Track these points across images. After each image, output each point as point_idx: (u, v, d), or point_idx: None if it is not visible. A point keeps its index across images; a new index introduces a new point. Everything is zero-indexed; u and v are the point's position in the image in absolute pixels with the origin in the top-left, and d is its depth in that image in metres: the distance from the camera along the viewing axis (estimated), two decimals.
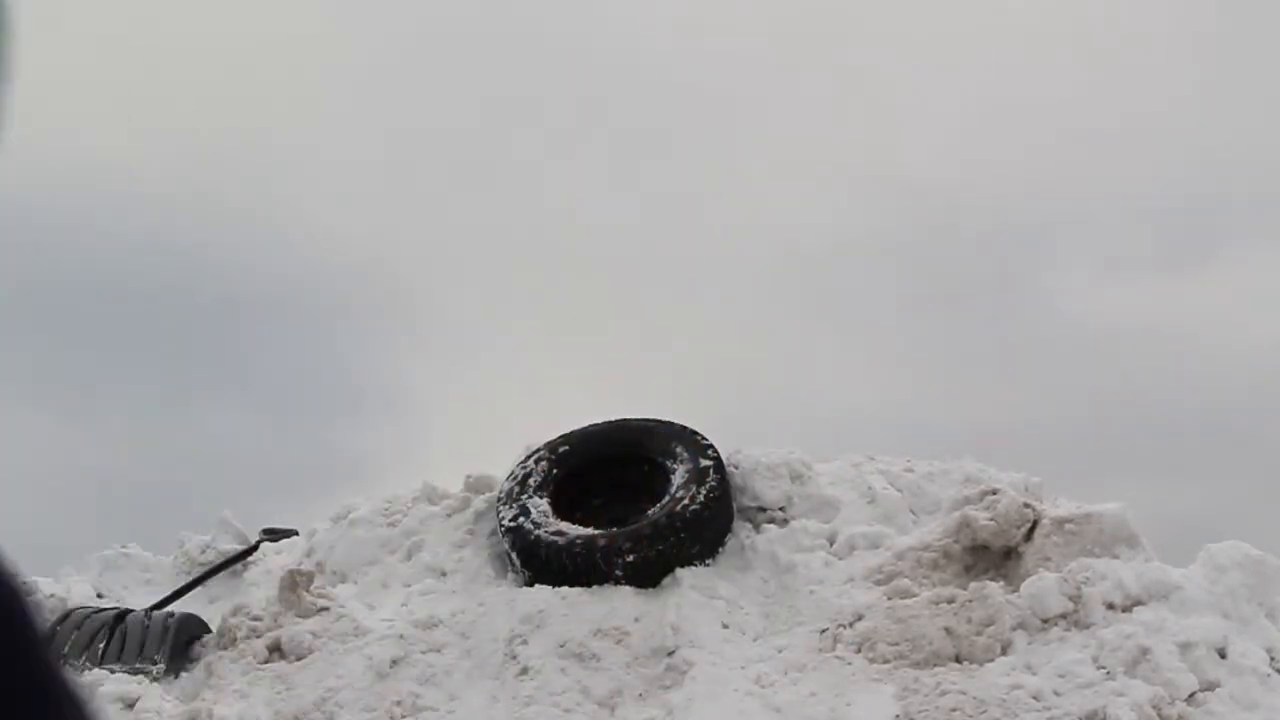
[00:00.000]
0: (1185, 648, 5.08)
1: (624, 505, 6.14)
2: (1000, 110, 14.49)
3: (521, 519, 5.96)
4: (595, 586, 5.68)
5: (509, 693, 5.23)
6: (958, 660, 5.20)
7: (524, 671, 5.29)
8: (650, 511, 5.92)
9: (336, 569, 6.45)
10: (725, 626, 5.54)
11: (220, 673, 5.59)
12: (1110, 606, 5.30)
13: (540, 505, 5.99)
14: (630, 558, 5.71)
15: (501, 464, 6.41)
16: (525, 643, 5.39)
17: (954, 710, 4.91)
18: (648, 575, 5.72)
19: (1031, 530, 5.72)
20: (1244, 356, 12.65)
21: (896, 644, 5.27)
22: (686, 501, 5.89)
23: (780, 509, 6.15)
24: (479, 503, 6.32)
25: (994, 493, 5.87)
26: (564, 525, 5.91)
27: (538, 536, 5.85)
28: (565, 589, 5.64)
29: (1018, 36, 14.42)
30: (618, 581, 5.69)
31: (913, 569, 5.72)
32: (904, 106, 14.59)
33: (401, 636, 5.52)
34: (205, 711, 5.35)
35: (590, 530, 5.84)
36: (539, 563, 5.81)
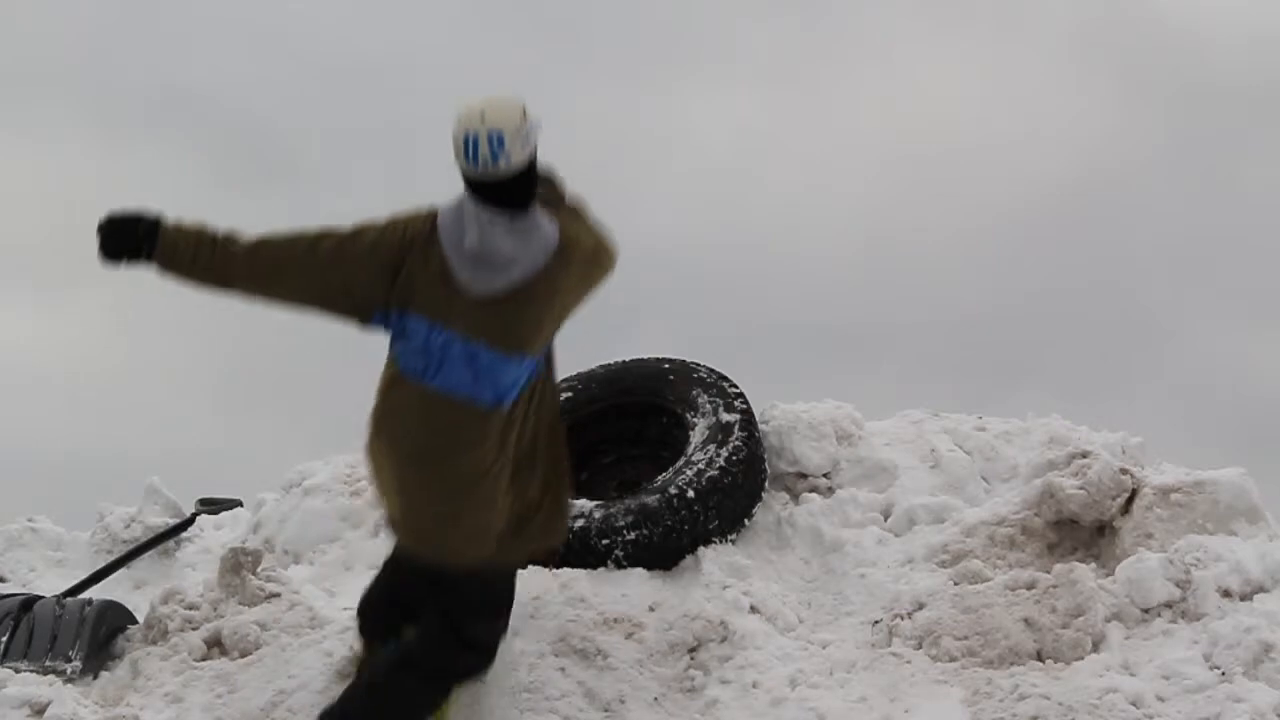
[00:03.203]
0: None
1: (639, 464, 6.14)
2: None
3: None
4: (599, 570, 5.67)
5: (497, 696, 5.20)
6: (1039, 658, 5.19)
7: (515, 671, 5.25)
8: (658, 478, 5.91)
9: (288, 547, 6.47)
10: (758, 617, 5.54)
11: (148, 672, 5.58)
12: (1226, 594, 5.30)
13: None
14: (631, 535, 5.71)
15: None
16: (517, 635, 5.35)
17: (1034, 718, 4.88)
18: (654, 556, 5.72)
19: (1130, 501, 5.74)
20: None
21: (965, 638, 5.27)
22: (702, 465, 5.87)
23: (825, 475, 6.18)
24: None
25: (1084, 456, 5.90)
26: None
27: None
28: (565, 571, 5.62)
29: None
30: (618, 564, 5.69)
31: (985, 548, 5.74)
32: None
33: None
34: (130, 718, 5.33)
35: (584, 501, 5.83)
36: None
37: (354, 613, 5.30)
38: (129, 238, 4.72)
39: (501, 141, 4.58)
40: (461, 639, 4.98)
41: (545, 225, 4.71)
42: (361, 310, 4.78)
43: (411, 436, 4.78)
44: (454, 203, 4.73)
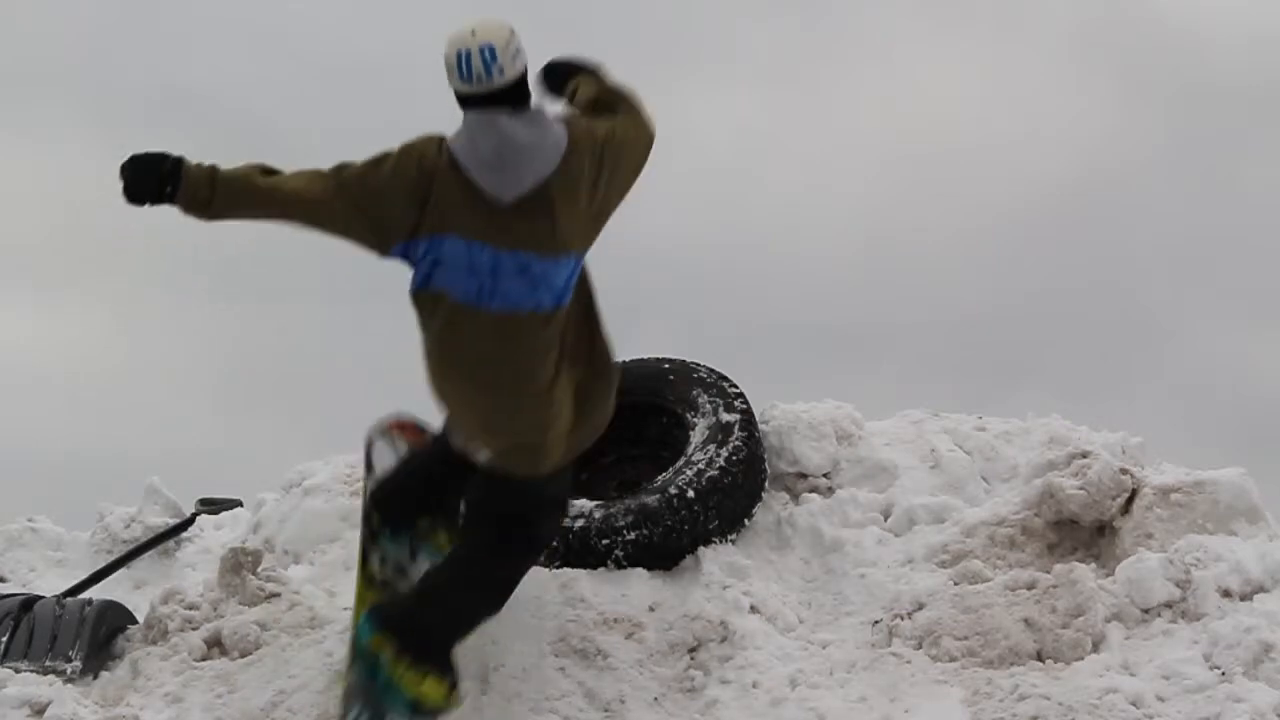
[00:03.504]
0: None
1: (639, 464, 6.11)
2: None
3: None
4: (599, 570, 5.66)
5: (497, 697, 5.20)
6: (1039, 658, 5.19)
7: (515, 672, 5.26)
8: (658, 478, 5.90)
9: (288, 547, 6.46)
10: (758, 617, 5.52)
11: (148, 672, 5.57)
12: (1226, 594, 5.29)
13: None
14: (631, 535, 5.69)
15: None
16: (516, 636, 5.35)
17: (1034, 718, 4.88)
18: (655, 556, 5.71)
19: (1130, 501, 5.73)
20: None
21: (965, 639, 5.26)
22: (702, 465, 5.86)
23: (825, 475, 6.16)
24: None
25: (1084, 456, 5.89)
26: None
27: None
28: (564, 571, 5.61)
29: None
30: (618, 564, 5.68)
31: (985, 548, 5.73)
32: None
33: None
34: (130, 718, 5.33)
35: (584, 501, 5.81)
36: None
37: (370, 501, 5.37)
38: (152, 179, 4.79)
39: (494, 54, 4.70)
40: (533, 541, 5.14)
41: (554, 124, 4.82)
42: (384, 239, 4.84)
43: (489, 365, 4.86)
44: (459, 128, 4.80)
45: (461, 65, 4.72)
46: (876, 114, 16.54)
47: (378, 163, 4.83)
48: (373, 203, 4.79)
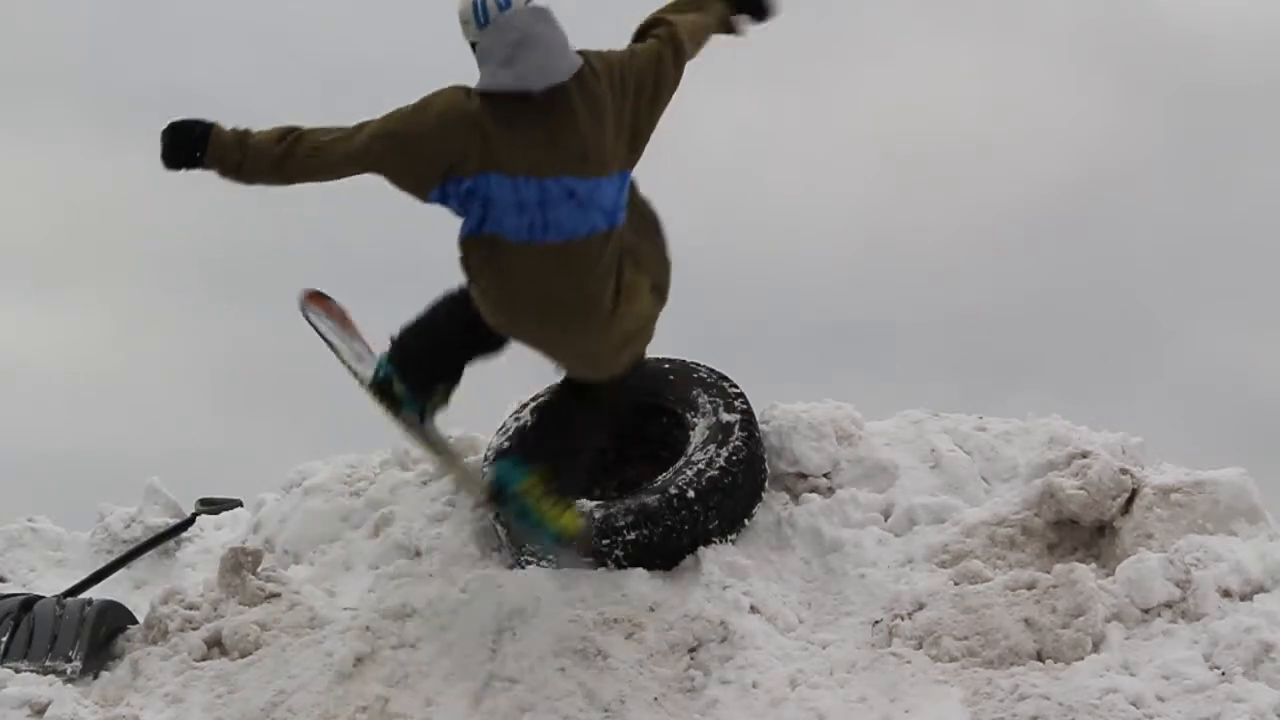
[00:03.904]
0: None
1: (639, 464, 6.10)
2: None
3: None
4: (599, 570, 5.66)
5: (496, 697, 5.20)
6: (1039, 658, 5.19)
7: (514, 671, 5.26)
8: (658, 478, 5.90)
9: (289, 547, 6.46)
10: (758, 617, 5.52)
11: (148, 672, 5.58)
12: (1226, 594, 5.28)
13: None
14: (631, 535, 5.69)
15: (490, 424, 6.39)
16: (515, 637, 5.37)
17: (1034, 718, 4.88)
18: (655, 556, 5.71)
19: (1130, 501, 5.72)
20: None
21: (965, 639, 5.26)
22: (702, 465, 5.86)
23: (825, 475, 6.15)
24: None
25: (1084, 456, 5.88)
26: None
27: None
28: (564, 571, 5.62)
29: None
30: (618, 564, 5.68)
31: (985, 548, 5.73)
32: None
33: (367, 629, 5.50)
34: (130, 718, 5.34)
35: (584, 501, 5.80)
36: (525, 540, 5.79)
37: (391, 364, 5.50)
38: (185, 145, 4.96)
39: None
40: (624, 387, 5.48)
41: (564, 31, 5.00)
42: (423, 183, 5.00)
43: (553, 297, 5.05)
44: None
45: (478, 12, 4.89)
46: (876, 114, 16.53)
47: (413, 110, 4.99)
48: (409, 148, 4.94)
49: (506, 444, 6.07)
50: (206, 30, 15.86)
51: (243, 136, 4.94)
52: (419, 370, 5.43)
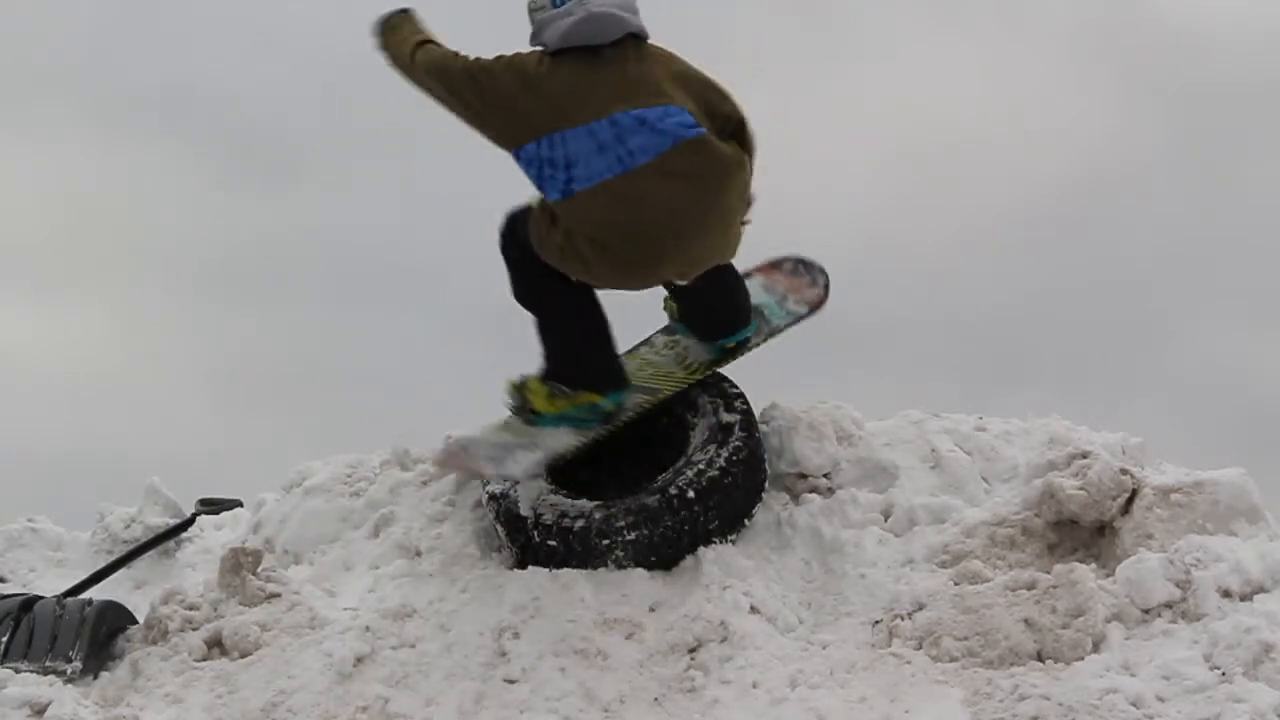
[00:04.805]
0: None
1: (641, 465, 6.09)
2: None
3: (509, 486, 5.91)
4: (599, 570, 5.66)
5: (497, 697, 5.20)
6: (1040, 659, 5.19)
7: (514, 671, 5.27)
8: (658, 478, 5.89)
9: (289, 547, 6.46)
10: (758, 617, 5.52)
11: (148, 672, 5.58)
12: (1226, 594, 5.28)
13: None
14: (631, 535, 5.69)
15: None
16: (516, 636, 5.38)
17: (1035, 718, 4.88)
18: (655, 556, 5.71)
19: (1130, 501, 5.72)
20: None
21: (965, 639, 5.27)
22: (702, 466, 5.86)
23: (825, 475, 6.15)
24: None
25: (1084, 456, 5.88)
26: (557, 494, 5.89)
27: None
28: (564, 572, 5.62)
29: None
30: (618, 564, 5.68)
31: (985, 548, 5.73)
32: None
33: (367, 629, 5.51)
34: (130, 718, 5.33)
35: (584, 501, 5.81)
36: (524, 539, 5.80)
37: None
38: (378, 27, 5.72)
39: None
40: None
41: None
42: (519, 134, 5.29)
43: (670, 215, 5.34)
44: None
45: None
46: (876, 114, 16.54)
47: (521, 60, 5.33)
48: (508, 98, 5.26)
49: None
50: (206, 30, 15.88)
51: (418, 44, 5.49)
52: (602, 368, 5.82)
